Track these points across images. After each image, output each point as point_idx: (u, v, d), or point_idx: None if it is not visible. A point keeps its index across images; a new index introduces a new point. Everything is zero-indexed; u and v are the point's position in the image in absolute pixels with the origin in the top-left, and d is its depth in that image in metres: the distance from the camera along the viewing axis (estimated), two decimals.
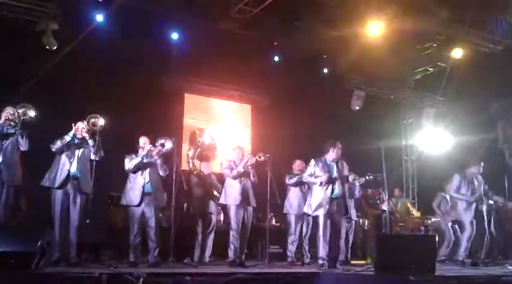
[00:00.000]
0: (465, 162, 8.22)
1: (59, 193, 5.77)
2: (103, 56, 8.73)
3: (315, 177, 6.27)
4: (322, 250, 6.07)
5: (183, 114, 10.70)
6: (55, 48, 8.67)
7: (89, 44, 8.65)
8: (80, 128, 5.92)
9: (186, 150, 8.38)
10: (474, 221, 7.68)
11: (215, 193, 7.30)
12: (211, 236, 7.25)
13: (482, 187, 7.85)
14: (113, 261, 6.37)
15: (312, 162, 6.44)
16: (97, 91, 8.63)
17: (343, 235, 6.51)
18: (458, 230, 8.85)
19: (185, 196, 7.32)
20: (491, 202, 8.46)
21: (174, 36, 10.11)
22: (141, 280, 4.20)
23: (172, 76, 10.20)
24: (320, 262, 6.04)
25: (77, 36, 8.67)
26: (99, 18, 9.07)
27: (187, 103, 10.87)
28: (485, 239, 8.10)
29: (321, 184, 6.21)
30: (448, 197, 9.05)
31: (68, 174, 5.79)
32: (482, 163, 7.99)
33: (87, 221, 5.87)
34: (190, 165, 7.21)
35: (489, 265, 7.48)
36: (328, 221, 6.17)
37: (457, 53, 11.38)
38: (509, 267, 7.32)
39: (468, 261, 7.60)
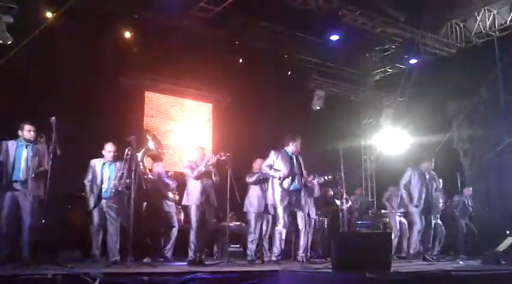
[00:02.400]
0: (419, 159, 8.45)
1: (7, 196, 5.77)
2: (60, 52, 8.54)
3: (274, 170, 6.39)
4: (278, 246, 6.19)
5: (143, 113, 10.59)
6: (9, 43, 8.41)
7: (45, 39, 8.45)
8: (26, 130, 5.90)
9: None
10: (423, 216, 7.87)
11: (170, 193, 7.29)
12: (173, 235, 7.23)
13: (434, 183, 8.06)
14: (69, 262, 6.25)
15: (272, 153, 6.56)
16: (54, 89, 8.45)
17: (302, 230, 6.56)
18: (406, 224, 9.10)
19: (144, 196, 7.26)
20: (444, 198, 8.74)
21: (136, 34, 9.96)
22: (98, 280, 4.13)
23: (132, 75, 10.08)
24: (274, 258, 6.14)
25: (34, 31, 8.45)
26: (57, 15, 8.86)
27: (147, 102, 10.76)
28: (437, 235, 8.36)
29: (279, 178, 6.30)
30: (400, 192, 9.29)
31: (16, 177, 5.80)
32: (433, 160, 8.21)
33: (43, 221, 5.74)
34: (141, 167, 7.17)
35: (441, 260, 7.72)
36: (287, 216, 6.29)
37: (413, 61, 11.74)
38: (460, 262, 7.58)
39: (419, 255, 7.81)
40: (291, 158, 6.51)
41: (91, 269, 4.58)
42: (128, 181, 6.39)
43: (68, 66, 8.64)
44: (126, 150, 6.43)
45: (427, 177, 8.03)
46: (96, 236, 6.52)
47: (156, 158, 7.65)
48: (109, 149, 6.58)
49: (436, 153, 10.67)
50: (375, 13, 10.60)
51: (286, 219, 6.38)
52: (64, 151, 5.74)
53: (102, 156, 6.62)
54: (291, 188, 6.38)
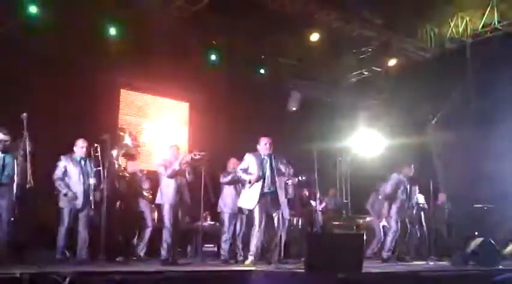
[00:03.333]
0: (397, 163, 8.56)
1: None
2: (34, 48, 8.40)
3: (247, 174, 6.42)
4: (254, 246, 6.20)
5: (118, 111, 10.49)
6: None
7: (20, 34, 8.30)
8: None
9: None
10: (399, 221, 7.98)
11: (144, 193, 7.24)
12: (146, 235, 7.18)
13: (413, 188, 8.19)
14: (38, 261, 6.15)
15: (246, 156, 6.58)
16: (25, 85, 8.32)
17: (278, 231, 6.57)
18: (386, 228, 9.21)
19: (117, 195, 7.19)
20: (420, 201, 8.87)
21: (112, 31, 9.86)
22: (68, 279, 4.08)
23: (107, 72, 9.95)
24: (250, 257, 6.15)
25: (8, 25, 8.30)
26: (33, 9, 8.74)
27: (123, 100, 10.67)
28: (416, 238, 8.49)
29: (249, 182, 6.39)
30: (380, 197, 9.40)
31: None
32: (413, 165, 8.33)
33: (11, 219, 5.65)
34: (116, 165, 7.10)
35: (412, 261, 7.85)
36: (263, 217, 6.33)
37: (392, 62, 11.86)
38: (430, 263, 7.72)
39: (392, 257, 7.92)
40: (263, 160, 6.52)
41: (60, 268, 4.52)
42: (94, 180, 6.30)
43: (41, 62, 8.52)
44: (94, 146, 6.35)
45: (408, 182, 8.14)
46: (66, 234, 6.38)
47: (131, 157, 7.59)
48: (80, 145, 6.49)
49: (411, 157, 10.85)
50: (352, 16, 10.71)
51: (261, 221, 6.38)
52: (36, 148, 5.66)
53: (73, 153, 6.51)
54: (264, 190, 6.39)
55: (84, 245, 6.28)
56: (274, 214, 6.46)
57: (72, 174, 6.43)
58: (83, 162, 6.48)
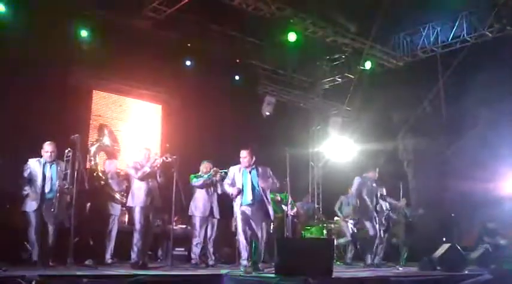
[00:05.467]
0: (365, 167, 8.68)
1: None
2: (5, 46, 8.22)
3: (231, 187, 6.51)
4: (244, 254, 6.23)
5: (90, 111, 10.34)
6: None
7: None
8: None
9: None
10: (374, 225, 8.07)
11: (117, 195, 7.15)
12: (112, 237, 7.08)
13: (379, 192, 8.31)
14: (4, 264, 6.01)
15: (230, 169, 6.59)
16: None
17: (260, 238, 6.55)
18: (357, 231, 9.31)
19: (87, 195, 7.08)
20: (386, 205, 8.97)
21: (86, 31, 9.70)
22: (34, 282, 4.00)
23: (80, 73, 9.81)
24: (243, 265, 6.16)
25: None
26: (1, 8, 8.58)
27: (95, 101, 10.52)
28: (383, 242, 8.58)
29: (231, 195, 6.43)
30: (349, 200, 9.51)
31: None
32: (377, 169, 8.46)
33: None
34: (92, 162, 6.98)
35: (381, 267, 7.94)
36: (245, 227, 6.37)
37: (367, 65, 12.00)
38: (399, 268, 7.83)
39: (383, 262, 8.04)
40: (244, 173, 6.53)
41: (27, 272, 4.43)
42: (68, 182, 6.21)
43: (11, 62, 8.33)
44: (66, 151, 6.25)
45: (373, 185, 8.25)
46: (34, 238, 6.24)
47: (111, 155, 7.43)
48: (46, 149, 6.36)
49: (382, 163, 10.99)
50: (326, 23, 10.82)
51: (243, 229, 6.39)
52: (3, 151, 5.54)
53: (41, 156, 6.40)
54: (245, 203, 6.41)
55: (50, 248, 6.18)
56: (253, 224, 6.45)
57: (37, 177, 6.29)
58: (48, 166, 6.34)
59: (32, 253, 6.27)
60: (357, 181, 8.31)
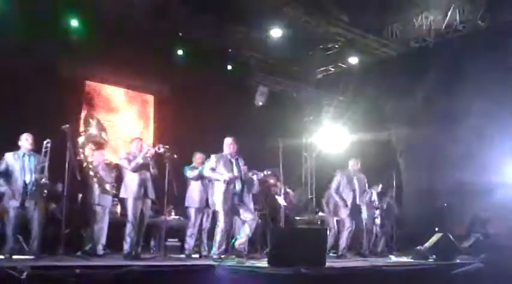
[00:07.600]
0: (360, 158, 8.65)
1: None
2: None
3: (217, 173, 6.36)
4: (219, 246, 6.19)
5: (81, 102, 10.27)
6: None
7: None
8: None
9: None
10: (351, 217, 8.05)
11: (107, 186, 7.09)
12: (105, 228, 7.04)
13: (362, 184, 8.26)
14: None
15: (212, 157, 6.52)
16: None
17: (247, 229, 6.53)
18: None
19: (79, 186, 7.03)
20: (373, 198, 9.01)
21: (77, 22, 9.60)
22: (25, 273, 3.96)
23: (71, 63, 9.72)
24: (215, 256, 6.14)
25: None
26: None
27: (87, 91, 10.45)
28: (378, 234, 8.62)
29: (224, 182, 6.31)
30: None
31: None
32: (359, 159, 8.41)
33: None
34: (81, 154, 6.90)
35: (373, 256, 7.99)
36: (229, 217, 6.33)
37: (353, 58, 12.02)
38: (392, 258, 7.87)
39: (350, 253, 8.03)
40: (231, 162, 6.49)
41: (18, 263, 4.40)
42: (46, 175, 6.13)
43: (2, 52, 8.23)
44: (45, 142, 6.16)
45: (355, 178, 8.19)
46: (12, 231, 6.09)
47: (99, 146, 7.35)
48: (24, 138, 6.23)
49: (375, 152, 11.02)
50: (319, 12, 10.76)
51: (227, 220, 6.37)
52: None
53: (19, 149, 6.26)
54: (234, 191, 6.37)
55: (34, 241, 6.05)
56: (243, 209, 6.42)
57: (14, 170, 6.15)
58: (26, 158, 6.21)
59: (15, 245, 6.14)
60: (337, 176, 8.25)
